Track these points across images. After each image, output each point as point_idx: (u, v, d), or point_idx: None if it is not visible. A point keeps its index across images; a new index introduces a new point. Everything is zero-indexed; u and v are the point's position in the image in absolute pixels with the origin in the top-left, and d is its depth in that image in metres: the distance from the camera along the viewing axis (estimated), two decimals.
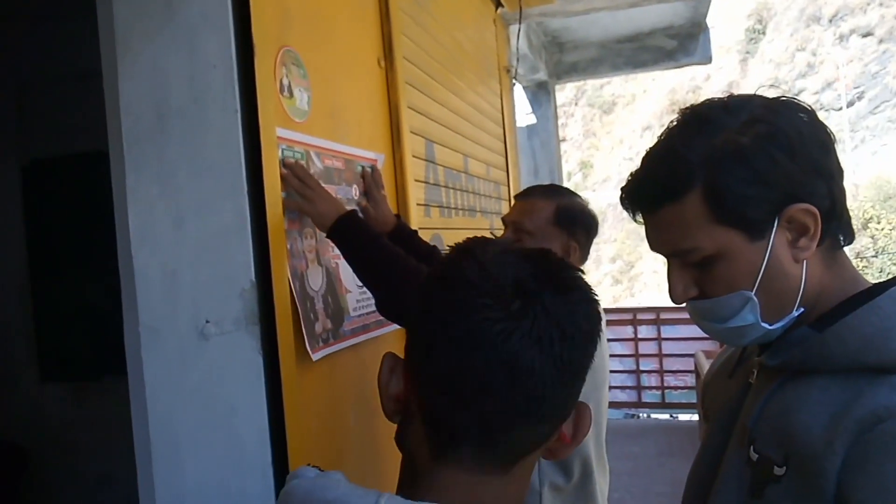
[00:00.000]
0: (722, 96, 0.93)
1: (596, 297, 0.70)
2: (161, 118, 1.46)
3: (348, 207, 1.82)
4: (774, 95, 0.91)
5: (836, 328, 0.84)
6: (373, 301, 1.81)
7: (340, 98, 1.84)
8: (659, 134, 0.94)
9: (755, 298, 0.88)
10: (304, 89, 1.65)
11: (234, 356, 1.44)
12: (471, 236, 0.79)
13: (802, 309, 0.89)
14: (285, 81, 1.57)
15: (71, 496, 3.45)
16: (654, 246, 0.94)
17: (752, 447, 0.89)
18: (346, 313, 1.69)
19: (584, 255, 1.86)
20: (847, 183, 0.92)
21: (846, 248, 0.94)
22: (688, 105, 0.94)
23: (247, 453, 1.45)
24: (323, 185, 1.70)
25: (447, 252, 0.76)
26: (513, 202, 1.95)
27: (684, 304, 0.95)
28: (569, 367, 0.66)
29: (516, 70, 4.09)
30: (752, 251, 0.87)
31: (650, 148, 0.94)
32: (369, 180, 1.93)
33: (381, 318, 1.86)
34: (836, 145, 0.90)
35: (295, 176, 1.54)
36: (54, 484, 3.53)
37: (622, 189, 0.95)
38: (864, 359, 0.82)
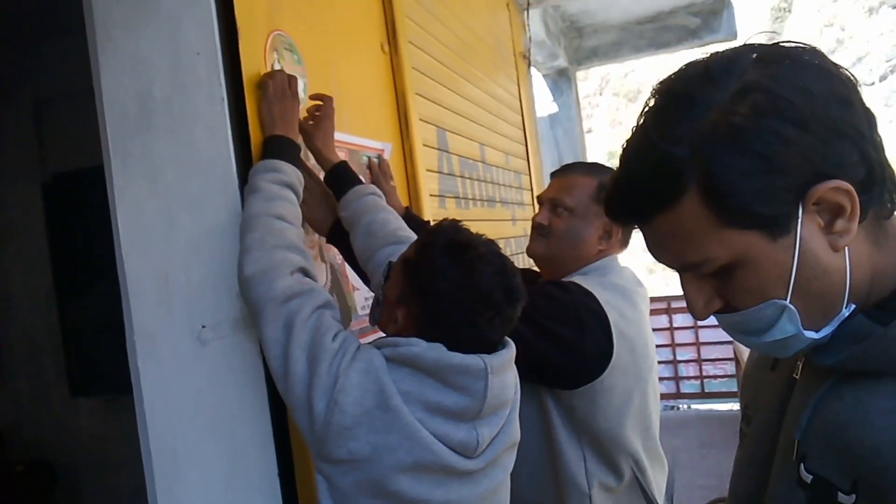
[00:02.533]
0: (703, 57, 0.72)
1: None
2: (146, 111, 1.38)
3: None
4: (769, 42, 0.72)
5: None
6: None
7: (341, 85, 1.75)
8: (635, 120, 0.74)
9: (791, 307, 0.71)
10: (300, 76, 1.55)
11: (234, 361, 1.36)
12: (451, 225, 1.20)
13: (853, 306, 0.72)
14: (277, 67, 1.47)
15: None
16: (659, 260, 0.77)
17: (802, 465, 0.73)
18: (353, 312, 1.59)
19: (627, 238, 1.68)
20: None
21: None
22: (662, 79, 0.74)
23: (251, 463, 1.36)
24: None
25: (443, 234, 1.18)
26: (547, 182, 1.78)
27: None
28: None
29: (530, 55, 3.96)
30: (777, 251, 0.69)
31: (626, 141, 0.75)
32: (376, 171, 1.83)
33: None
34: (858, 89, 0.70)
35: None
36: (88, 499, 3.49)
37: (604, 199, 0.78)
38: None
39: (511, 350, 1.21)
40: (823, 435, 0.72)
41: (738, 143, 0.66)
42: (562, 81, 6.49)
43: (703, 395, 6.19)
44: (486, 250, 1.15)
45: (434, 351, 1.10)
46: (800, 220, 0.68)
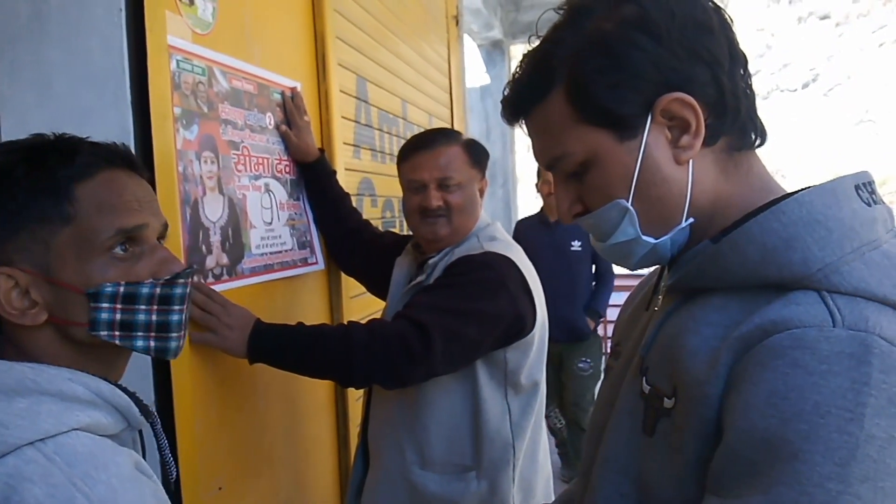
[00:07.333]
0: None
1: None
2: (39, 17, 1.30)
3: (261, 136, 1.69)
4: None
5: (734, 237, 0.72)
6: (280, 240, 1.71)
7: (255, 16, 1.69)
8: None
9: (632, 209, 0.78)
10: None
11: None
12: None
13: (691, 220, 0.78)
14: None
15: None
16: (537, 158, 0.85)
17: (644, 378, 0.78)
18: (246, 249, 1.56)
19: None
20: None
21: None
22: None
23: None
24: (231, 107, 1.56)
25: None
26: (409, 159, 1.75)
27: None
28: None
29: (461, 17, 3.93)
30: (623, 152, 0.77)
31: (529, 50, 0.85)
32: (290, 105, 1.79)
33: (288, 259, 1.75)
34: (731, 28, 0.78)
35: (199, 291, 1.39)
36: None
37: (501, 101, 0.86)
38: (765, 272, 0.69)
39: None
40: (661, 348, 0.78)
41: (601, 45, 0.75)
42: (496, 53, 6.50)
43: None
44: None
45: None
46: (647, 128, 0.76)
